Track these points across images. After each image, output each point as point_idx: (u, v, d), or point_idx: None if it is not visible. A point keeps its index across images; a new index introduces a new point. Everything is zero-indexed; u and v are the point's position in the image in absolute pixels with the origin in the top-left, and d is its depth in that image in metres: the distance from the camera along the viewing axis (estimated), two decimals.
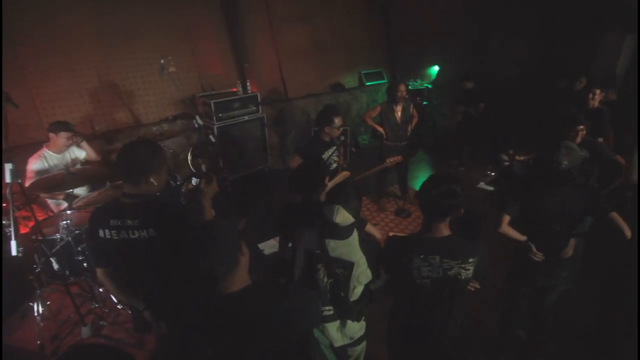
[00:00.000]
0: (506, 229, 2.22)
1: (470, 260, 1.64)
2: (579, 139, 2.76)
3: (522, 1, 5.54)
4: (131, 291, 1.85)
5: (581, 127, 2.76)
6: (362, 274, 1.79)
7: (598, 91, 3.64)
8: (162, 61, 3.78)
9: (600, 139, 3.49)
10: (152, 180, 1.69)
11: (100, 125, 4.51)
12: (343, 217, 1.71)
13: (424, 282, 1.66)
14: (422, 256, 1.63)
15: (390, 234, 4.14)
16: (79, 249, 2.92)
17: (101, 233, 1.71)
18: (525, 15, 5.58)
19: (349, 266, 1.77)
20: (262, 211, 4.38)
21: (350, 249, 1.78)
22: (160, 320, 1.83)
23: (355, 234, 1.82)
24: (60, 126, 3.29)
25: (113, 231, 1.69)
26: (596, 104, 3.69)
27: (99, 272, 1.83)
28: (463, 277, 1.65)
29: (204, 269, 1.20)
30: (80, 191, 3.36)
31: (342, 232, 1.78)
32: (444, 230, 1.66)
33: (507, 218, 2.21)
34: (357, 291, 1.84)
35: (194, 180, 1.96)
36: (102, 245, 1.74)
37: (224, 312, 1.22)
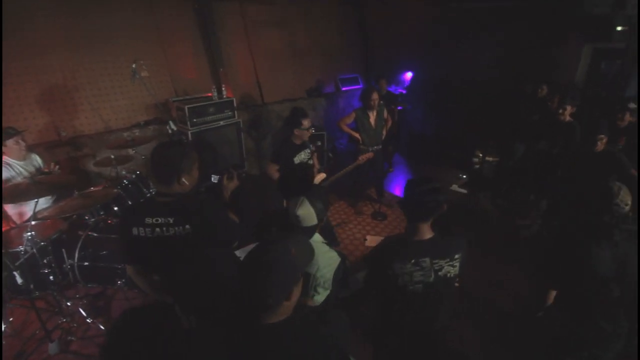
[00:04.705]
0: None
1: (457, 256, 1.69)
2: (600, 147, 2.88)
3: (489, 11, 5.77)
4: (161, 287, 1.87)
5: (601, 136, 2.89)
6: (319, 286, 1.74)
7: (569, 107, 3.74)
8: (133, 65, 3.66)
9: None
10: (183, 180, 1.75)
11: (67, 131, 4.33)
12: (305, 210, 1.67)
13: (416, 287, 1.67)
14: (413, 261, 1.64)
15: (367, 236, 4.21)
16: (45, 261, 2.79)
17: (135, 231, 1.73)
18: (491, 24, 5.82)
19: (305, 276, 1.72)
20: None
21: None
22: (190, 314, 1.86)
23: (316, 242, 1.77)
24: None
25: (148, 229, 1.72)
26: (567, 118, 3.79)
27: (129, 269, 1.87)
28: (452, 275, 1.69)
29: (249, 299, 1.13)
30: (44, 201, 3.21)
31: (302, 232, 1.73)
32: (428, 232, 1.69)
33: None
34: (317, 299, 1.80)
35: (213, 177, 2.08)
36: (134, 243, 1.75)
37: (259, 343, 1.16)
